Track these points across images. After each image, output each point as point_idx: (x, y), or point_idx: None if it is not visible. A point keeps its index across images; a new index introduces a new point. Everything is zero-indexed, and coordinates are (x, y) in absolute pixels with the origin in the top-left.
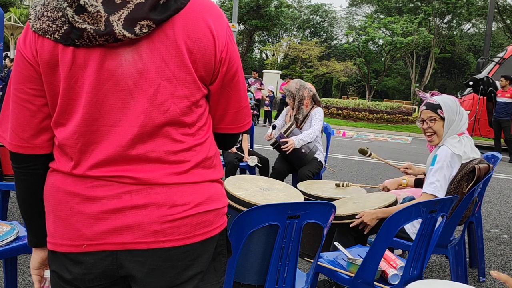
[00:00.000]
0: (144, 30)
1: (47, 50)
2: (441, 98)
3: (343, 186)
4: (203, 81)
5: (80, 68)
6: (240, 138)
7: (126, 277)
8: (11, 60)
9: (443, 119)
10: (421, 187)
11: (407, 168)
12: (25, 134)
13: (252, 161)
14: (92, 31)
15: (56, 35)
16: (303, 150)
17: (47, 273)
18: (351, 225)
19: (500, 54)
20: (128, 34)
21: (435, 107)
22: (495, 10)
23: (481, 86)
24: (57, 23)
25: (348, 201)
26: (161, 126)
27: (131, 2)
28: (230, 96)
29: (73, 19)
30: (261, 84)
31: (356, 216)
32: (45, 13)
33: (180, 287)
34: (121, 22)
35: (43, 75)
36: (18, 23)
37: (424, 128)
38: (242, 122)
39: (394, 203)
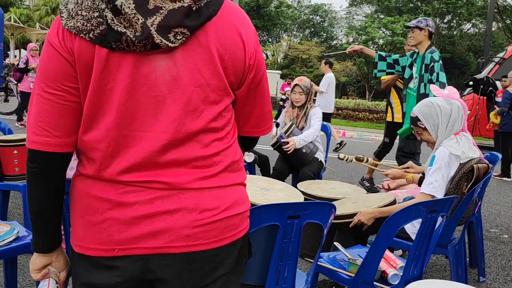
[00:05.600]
0: (178, 38)
1: (84, 50)
2: (418, 108)
3: (347, 160)
4: (232, 86)
5: (112, 71)
6: None
7: (150, 282)
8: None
9: (425, 129)
10: None
11: (407, 168)
12: (57, 132)
13: (249, 157)
14: (131, 36)
15: (91, 35)
16: (304, 150)
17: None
18: (350, 225)
19: (500, 54)
20: (166, 42)
21: (414, 121)
22: (495, 10)
23: (481, 86)
24: (92, 22)
25: (347, 201)
26: (194, 131)
27: (163, 8)
28: (255, 101)
29: (113, 22)
30: None
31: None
32: (79, 12)
33: (209, 286)
34: (154, 28)
35: (79, 75)
36: (18, 23)
37: (420, 140)
38: (264, 126)
39: (392, 203)
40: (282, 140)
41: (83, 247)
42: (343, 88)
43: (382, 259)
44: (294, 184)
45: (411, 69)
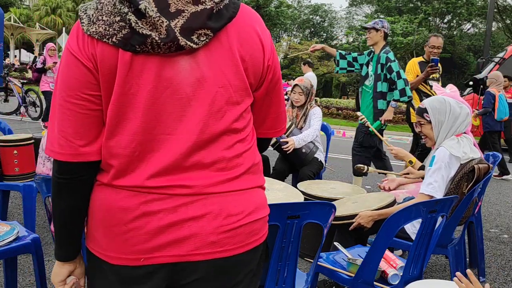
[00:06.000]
0: (202, 39)
1: (107, 55)
2: (429, 101)
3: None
4: (252, 87)
5: (136, 75)
6: None
7: None
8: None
9: (430, 122)
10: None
11: (407, 174)
12: (81, 142)
13: None
14: (157, 38)
15: (114, 39)
16: (303, 150)
17: (70, 278)
18: (349, 228)
19: (500, 54)
20: (190, 43)
21: (421, 111)
22: (495, 10)
23: (481, 86)
24: (114, 27)
25: (347, 201)
26: (218, 132)
27: (185, 11)
28: (271, 102)
29: (137, 25)
30: None
31: (354, 220)
32: (100, 17)
33: None
34: (177, 30)
35: (102, 81)
36: (18, 23)
37: (418, 132)
38: (279, 127)
39: (392, 203)
40: (281, 140)
41: (107, 256)
42: (343, 88)
43: (382, 259)
44: (294, 184)
45: (367, 67)
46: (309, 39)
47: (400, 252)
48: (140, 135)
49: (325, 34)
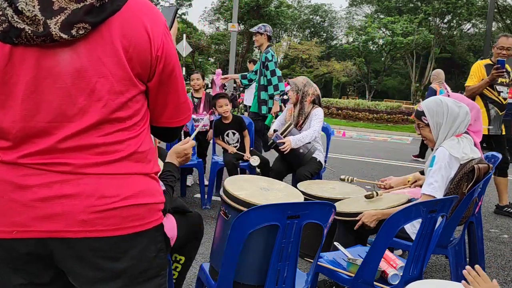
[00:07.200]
0: (80, 32)
1: None
2: (426, 103)
3: (348, 181)
4: (140, 78)
5: (16, 66)
6: (238, 137)
7: (61, 270)
8: None
9: (428, 125)
10: None
11: (415, 181)
12: None
13: (254, 160)
14: (30, 32)
15: None
16: (301, 150)
17: None
18: (355, 227)
19: None
20: (64, 36)
21: (419, 114)
22: (495, 10)
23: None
24: None
25: (361, 199)
26: (98, 120)
27: (68, 8)
28: (168, 92)
29: (13, 19)
30: None
31: (358, 217)
32: None
33: (115, 278)
34: (58, 26)
35: None
36: None
37: (418, 134)
38: (181, 116)
39: (404, 204)
40: (278, 141)
41: None
42: (343, 88)
43: (382, 259)
44: (294, 184)
45: None
46: (309, 39)
47: (400, 252)
48: (21, 123)
49: (325, 34)
